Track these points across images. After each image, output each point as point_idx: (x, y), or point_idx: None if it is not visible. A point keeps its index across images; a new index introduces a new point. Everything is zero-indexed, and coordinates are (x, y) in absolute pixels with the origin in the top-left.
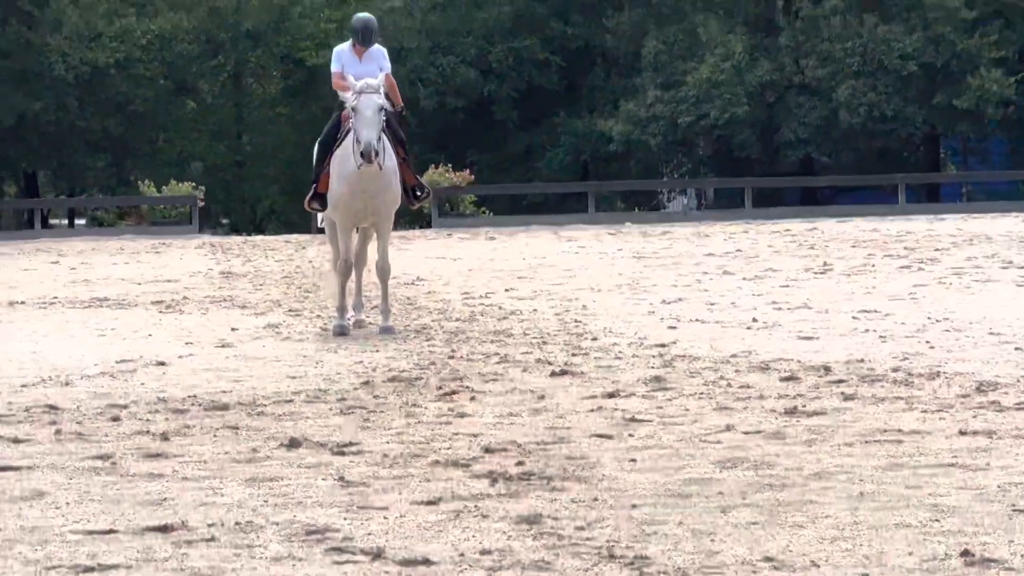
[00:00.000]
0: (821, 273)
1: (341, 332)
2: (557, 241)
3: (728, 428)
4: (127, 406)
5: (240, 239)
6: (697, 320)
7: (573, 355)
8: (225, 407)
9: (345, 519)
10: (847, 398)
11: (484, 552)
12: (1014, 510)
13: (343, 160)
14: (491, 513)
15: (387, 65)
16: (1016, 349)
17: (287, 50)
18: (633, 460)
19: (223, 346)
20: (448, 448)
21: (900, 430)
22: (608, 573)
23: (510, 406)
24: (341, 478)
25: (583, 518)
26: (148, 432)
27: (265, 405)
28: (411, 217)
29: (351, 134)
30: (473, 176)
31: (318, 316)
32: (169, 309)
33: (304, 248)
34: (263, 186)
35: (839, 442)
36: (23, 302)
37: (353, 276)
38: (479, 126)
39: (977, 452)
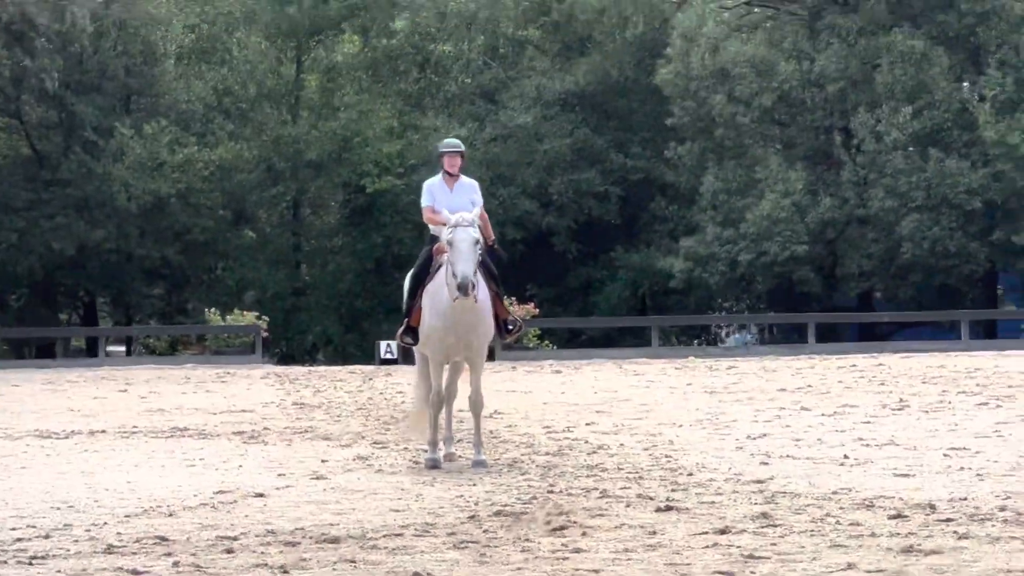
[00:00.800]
0: (899, 410)
1: (434, 465)
2: (623, 375)
3: (849, 567)
4: (237, 538)
5: (304, 369)
6: (788, 456)
7: (672, 490)
8: (336, 540)
9: None
10: (960, 537)
11: None
12: None
13: (436, 294)
14: None
15: (479, 199)
16: None
17: (348, 178)
18: None
19: (317, 478)
20: None
21: None
22: None
23: (623, 541)
24: None
25: None
26: (266, 564)
27: (375, 539)
28: None
29: (444, 268)
30: (538, 309)
31: (405, 449)
32: (252, 440)
33: (371, 379)
34: (320, 316)
35: None
36: (104, 431)
37: (444, 409)
38: (538, 259)
39: None
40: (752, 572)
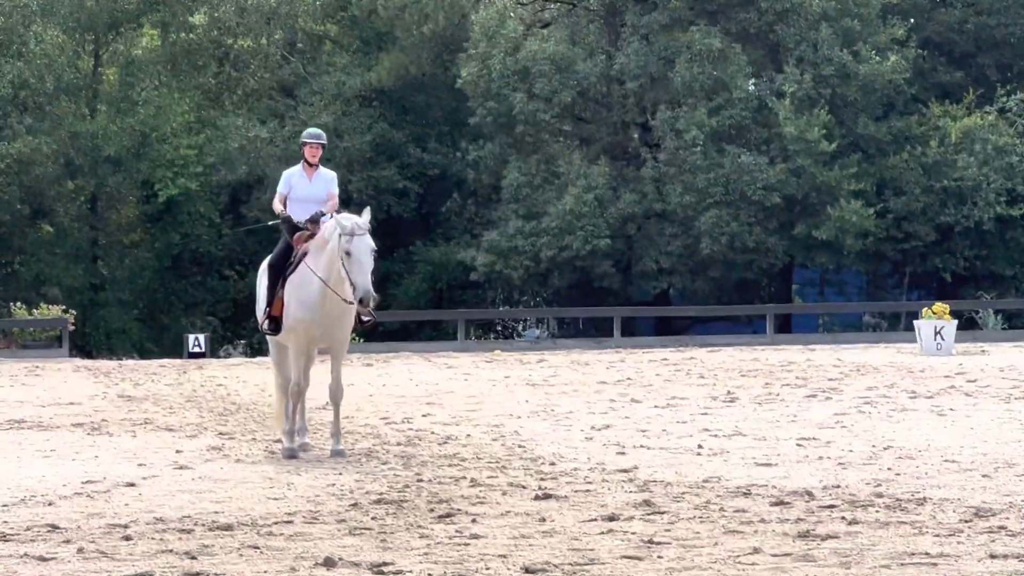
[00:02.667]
0: (730, 402)
1: (291, 455)
2: (435, 368)
3: (755, 551)
4: (127, 526)
5: (114, 363)
6: (642, 447)
7: (542, 479)
8: (229, 527)
9: None
10: (850, 522)
11: None
12: None
13: (301, 286)
14: None
15: (335, 189)
16: (983, 476)
17: (146, 175)
18: None
19: (180, 468)
20: (487, 568)
21: (927, 553)
22: None
23: (516, 528)
24: None
25: None
26: (171, 551)
27: (267, 526)
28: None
29: (307, 261)
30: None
31: (253, 439)
32: (96, 431)
33: (185, 372)
34: (119, 311)
35: (875, 564)
36: None
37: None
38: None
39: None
40: (659, 556)
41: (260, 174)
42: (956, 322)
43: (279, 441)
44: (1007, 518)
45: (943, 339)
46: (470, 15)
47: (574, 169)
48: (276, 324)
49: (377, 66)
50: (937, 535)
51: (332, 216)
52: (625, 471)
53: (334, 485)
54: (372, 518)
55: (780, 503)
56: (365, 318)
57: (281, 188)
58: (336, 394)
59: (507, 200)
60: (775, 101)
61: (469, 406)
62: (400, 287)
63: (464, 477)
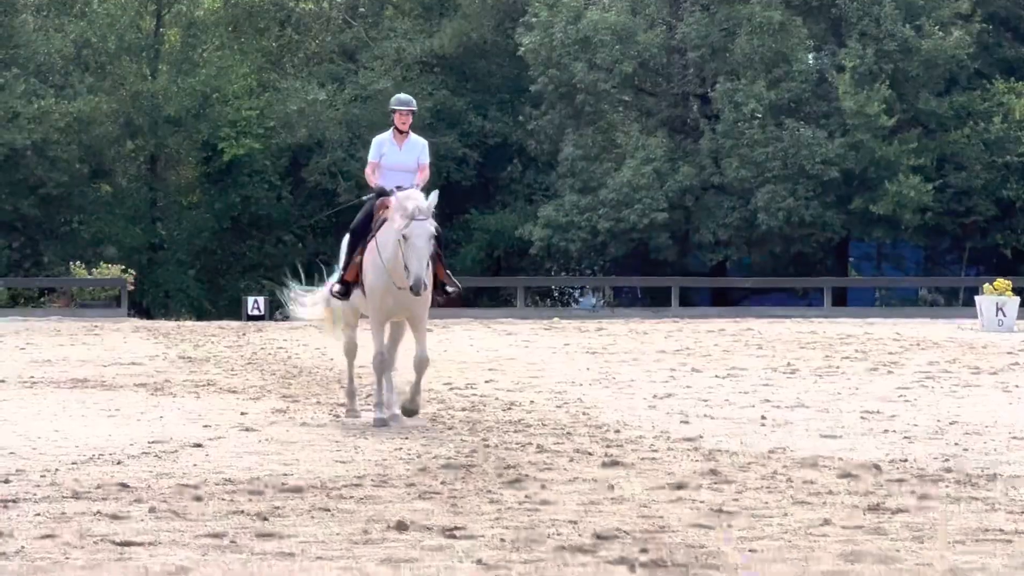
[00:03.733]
0: (791, 374)
1: (382, 425)
2: (495, 335)
3: (826, 522)
4: (197, 486)
5: (173, 324)
6: (706, 416)
7: (607, 447)
8: (299, 490)
9: None
10: (920, 497)
11: None
12: None
13: (382, 250)
14: None
15: (426, 158)
16: None
17: (207, 136)
18: (753, 550)
19: (246, 430)
20: (558, 534)
21: (1002, 530)
22: None
23: (585, 494)
24: (479, 560)
25: None
26: (243, 512)
27: (337, 488)
28: None
29: (394, 236)
30: None
31: (317, 403)
32: (159, 392)
33: (244, 334)
34: (177, 272)
35: (949, 540)
36: (3, 380)
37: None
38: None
39: None
40: (729, 526)
41: (320, 137)
42: (1018, 299)
43: (343, 405)
44: None
45: (1005, 315)
46: None
47: (632, 141)
48: (346, 289)
49: (439, 32)
50: (1011, 512)
51: (397, 192)
52: (690, 440)
53: (401, 449)
54: (441, 482)
55: (848, 475)
56: (450, 288)
57: (372, 156)
58: (421, 364)
59: (563, 174)
60: (835, 75)
61: (531, 373)
62: (458, 255)
63: (530, 443)
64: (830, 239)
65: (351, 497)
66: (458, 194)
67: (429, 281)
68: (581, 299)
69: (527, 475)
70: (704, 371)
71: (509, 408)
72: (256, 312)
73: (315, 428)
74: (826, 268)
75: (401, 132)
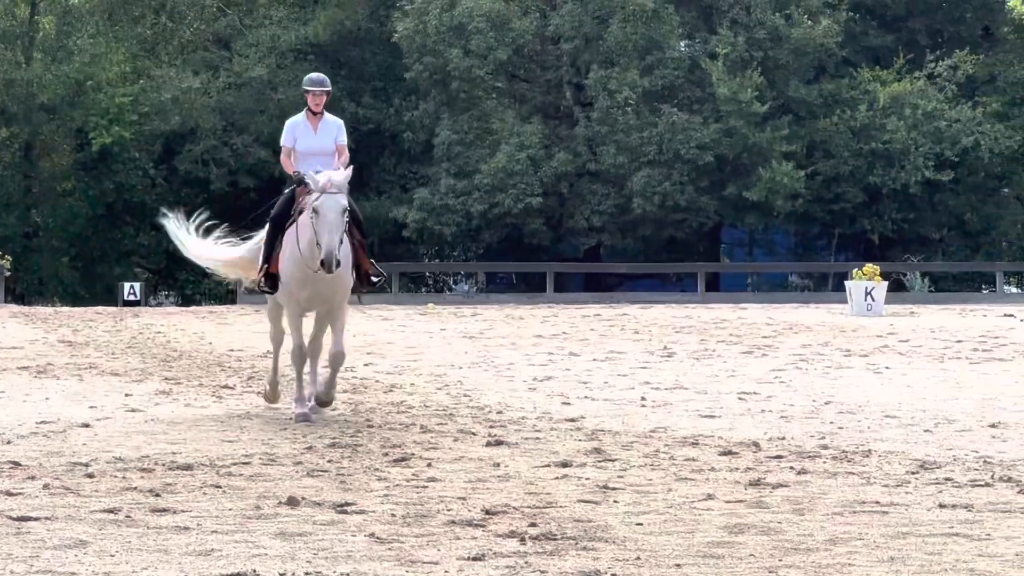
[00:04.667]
0: (668, 357)
1: (304, 420)
2: (371, 320)
3: (710, 497)
4: (88, 464)
5: (49, 310)
6: (587, 398)
7: (491, 427)
8: (189, 467)
9: (408, 572)
10: (799, 472)
11: None
12: None
13: (294, 245)
14: (547, 569)
15: (343, 138)
16: (925, 431)
17: (80, 124)
18: (640, 524)
19: (132, 411)
20: (448, 510)
21: (878, 502)
22: None
23: (471, 472)
24: (372, 534)
25: (639, 575)
26: (136, 488)
27: (227, 466)
28: (217, 294)
29: (307, 215)
30: None
31: (200, 384)
32: (42, 374)
33: (122, 319)
34: (52, 259)
35: (827, 511)
36: None
37: (307, 364)
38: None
39: (968, 524)
40: (615, 501)
41: (193, 125)
42: (886, 283)
43: (260, 393)
44: (952, 470)
45: (874, 300)
46: None
47: (507, 127)
48: (274, 281)
49: (313, 20)
50: (885, 485)
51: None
52: (572, 420)
53: (286, 429)
54: (328, 461)
55: (728, 453)
56: (375, 277)
57: (284, 140)
58: (337, 359)
59: (439, 158)
60: (708, 62)
61: (410, 356)
62: None
63: (414, 424)
64: (703, 224)
65: (240, 475)
66: None
67: (346, 262)
68: (455, 285)
69: (413, 454)
70: (582, 355)
71: (390, 390)
72: (132, 298)
73: (199, 409)
74: (699, 254)
75: (315, 114)
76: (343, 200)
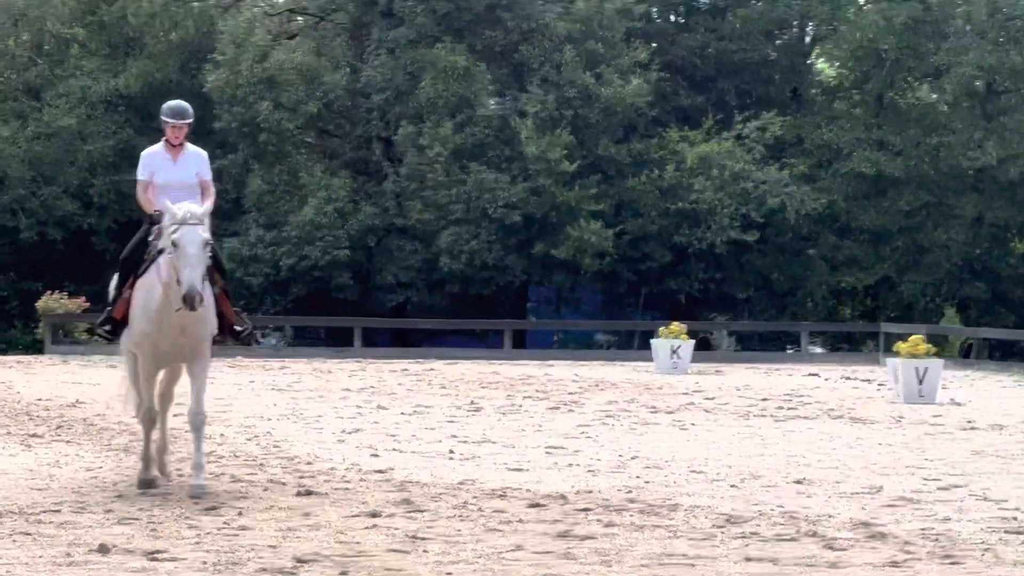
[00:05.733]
0: (475, 411)
1: (147, 485)
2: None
3: (518, 548)
4: None
5: None
6: (395, 450)
7: (301, 477)
8: None
9: None
10: (606, 525)
11: None
12: None
13: (150, 290)
14: None
15: (208, 172)
16: (732, 486)
17: None
18: (450, 574)
19: None
20: (260, 557)
21: (685, 555)
22: None
23: (282, 521)
24: None
25: None
26: None
27: (36, 514)
28: (23, 343)
29: (161, 261)
30: (89, 303)
31: (8, 432)
32: None
33: None
34: None
35: (635, 563)
36: None
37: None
38: (78, 256)
39: None
40: (425, 551)
41: (1, 175)
42: (693, 341)
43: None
44: (758, 525)
45: (679, 357)
46: (219, 24)
47: (315, 180)
48: (114, 328)
49: (124, 72)
50: (692, 539)
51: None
52: (381, 471)
53: (96, 477)
54: (139, 509)
55: (536, 505)
56: (239, 327)
57: (140, 173)
58: (197, 419)
59: (249, 208)
60: (518, 120)
61: (218, 408)
62: None
63: (224, 473)
64: (510, 282)
65: (51, 522)
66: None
67: (209, 307)
68: (262, 339)
69: (223, 503)
70: (390, 408)
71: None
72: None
73: (8, 458)
74: (506, 311)
75: (174, 145)
76: (204, 233)
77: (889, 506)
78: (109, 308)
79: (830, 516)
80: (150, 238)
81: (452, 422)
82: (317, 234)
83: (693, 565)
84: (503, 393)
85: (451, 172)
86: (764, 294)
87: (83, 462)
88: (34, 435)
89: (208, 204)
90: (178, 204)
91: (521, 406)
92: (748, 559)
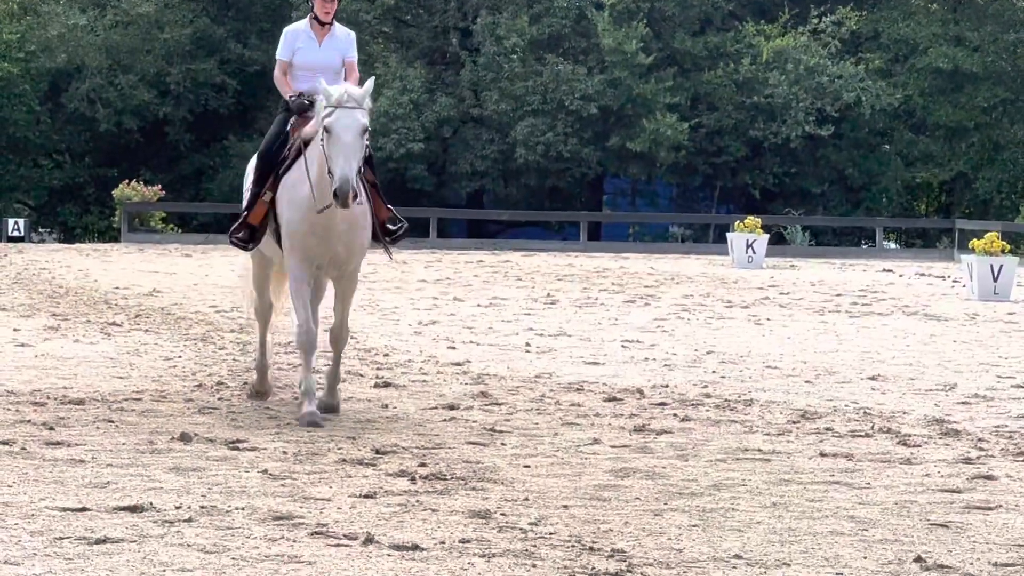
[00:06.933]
0: (551, 304)
1: (313, 424)
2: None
3: (595, 442)
4: None
5: None
6: (472, 343)
7: (379, 369)
8: (82, 402)
9: (301, 508)
10: (683, 419)
11: (463, 541)
12: (930, 524)
13: (296, 187)
14: (438, 508)
15: (354, 54)
16: (806, 382)
17: None
18: (527, 466)
19: (21, 345)
20: (339, 448)
21: (760, 450)
22: (596, 563)
23: (361, 412)
24: (265, 471)
25: (528, 515)
26: (29, 421)
27: (119, 402)
28: (99, 230)
29: (307, 156)
30: (164, 191)
31: (88, 321)
32: None
33: (6, 255)
34: None
35: (711, 458)
36: None
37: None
38: (153, 146)
39: (849, 472)
40: (503, 444)
41: (79, 63)
42: (767, 236)
43: (246, 384)
44: (833, 421)
45: (755, 252)
46: None
47: (391, 71)
48: (251, 234)
49: None
50: (767, 434)
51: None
52: (458, 364)
53: (176, 367)
54: (219, 399)
55: (613, 399)
56: (394, 224)
57: (281, 53)
58: (339, 338)
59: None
60: (595, 12)
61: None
62: (215, 181)
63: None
64: (586, 174)
65: (132, 410)
66: (216, 122)
67: (362, 192)
68: None
69: (296, 388)
70: (466, 300)
71: (275, 331)
72: (16, 233)
73: (88, 345)
74: (581, 203)
75: (322, 24)
76: (363, 119)
77: (963, 403)
78: (245, 212)
79: (904, 413)
80: (289, 128)
81: (528, 315)
82: (392, 126)
83: (768, 460)
84: (579, 286)
85: (528, 63)
86: (838, 189)
87: (162, 351)
88: (113, 323)
89: (368, 84)
90: (336, 86)
91: (597, 299)
92: (823, 455)
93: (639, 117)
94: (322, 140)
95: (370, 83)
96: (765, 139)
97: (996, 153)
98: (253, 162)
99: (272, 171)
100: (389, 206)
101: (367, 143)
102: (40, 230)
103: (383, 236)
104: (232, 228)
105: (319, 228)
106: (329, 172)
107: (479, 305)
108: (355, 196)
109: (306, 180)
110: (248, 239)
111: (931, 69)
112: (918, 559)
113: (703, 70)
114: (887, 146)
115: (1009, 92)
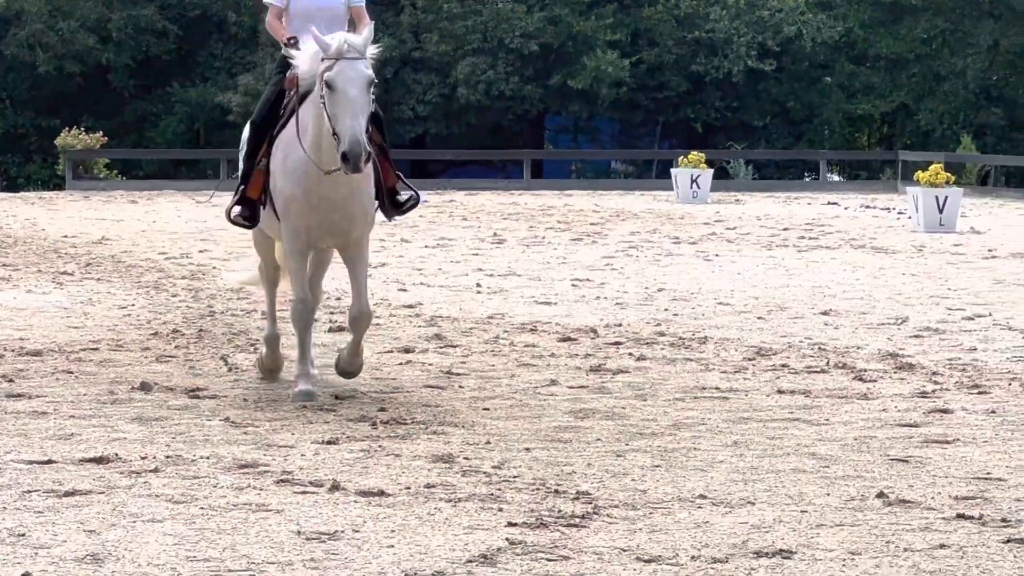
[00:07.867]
0: (498, 243)
1: (308, 399)
2: (199, 207)
3: (553, 383)
4: None
5: None
6: (422, 284)
7: (331, 313)
8: (39, 353)
9: (265, 455)
10: (638, 358)
11: (428, 486)
12: (890, 459)
13: (289, 148)
14: (401, 452)
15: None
16: (759, 318)
17: None
18: (487, 409)
19: None
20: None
21: (718, 388)
22: (562, 506)
23: (317, 358)
24: (227, 419)
25: (491, 459)
26: None
27: (75, 351)
28: (42, 178)
29: (300, 115)
30: (107, 139)
31: (38, 271)
32: None
33: None
34: None
35: (669, 397)
36: None
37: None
38: (94, 92)
39: (807, 409)
40: (460, 387)
41: (19, 8)
42: (712, 171)
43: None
44: (788, 357)
45: (699, 187)
46: None
47: None
48: (252, 211)
49: None
50: (724, 372)
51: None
52: (410, 306)
53: (129, 315)
54: (175, 347)
55: (567, 339)
56: (404, 196)
57: None
58: (359, 321)
59: (264, 43)
60: None
61: (242, 243)
62: (157, 128)
63: (254, 309)
64: (527, 112)
65: (90, 360)
66: (158, 68)
67: (368, 174)
68: None
69: (257, 340)
70: (413, 241)
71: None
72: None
73: (41, 296)
74: (523, 141)
75: None
76: (367, 70)
77: (915, 336)
78: (241, 187)
79: (858, 348)
80: (286, 83)
81: (476, 255)
82: None
83: (727, 398)
84: (525, 224)
85: (467, 2)
86: (781, 122)
87: (115, 300)
88: (64, 272)
89: (367, 32)
90: (332, 35)
91: (544, 237)
92: (780, 391)
93: (580, 54)
94: (322, 97)
95: (369, 29)
96: (707, 74)
97: (937, 84)
98: (247, 131)
99: (266, 136)
100: (398, 172)
101: (374, 98)
102: None
103: (391, 207)
104: (229, 205)
105: (313, 196)
106: (334, 133)
107: (426, 246)
108: (368, 158)
109: (299, 140)
110: (249, 217)
111: (871, 1)
112: (880, 495)
113: (643, 5)
114: (828, 78)
115: (949, 23)
